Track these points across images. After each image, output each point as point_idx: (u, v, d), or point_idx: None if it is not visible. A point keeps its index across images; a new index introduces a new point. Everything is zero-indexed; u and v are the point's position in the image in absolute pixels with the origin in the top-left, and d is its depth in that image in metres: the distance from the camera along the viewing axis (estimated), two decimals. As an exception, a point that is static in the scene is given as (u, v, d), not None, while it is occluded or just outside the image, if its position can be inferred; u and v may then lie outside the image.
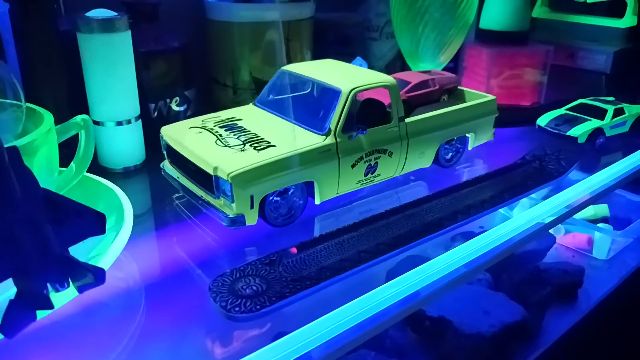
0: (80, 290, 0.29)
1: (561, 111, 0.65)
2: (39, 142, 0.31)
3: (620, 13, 0.77)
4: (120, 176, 0.52)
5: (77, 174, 0.39)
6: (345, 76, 0.47)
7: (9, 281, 0.26)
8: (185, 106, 0.59)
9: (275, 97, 0.50)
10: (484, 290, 0.48)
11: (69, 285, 0.28)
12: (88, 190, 0.40)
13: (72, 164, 0.39)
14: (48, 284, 0.27)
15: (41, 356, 0.31)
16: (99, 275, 0.29)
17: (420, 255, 0.42)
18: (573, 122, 0.62)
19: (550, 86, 0.74)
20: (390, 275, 0.39)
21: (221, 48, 0.61)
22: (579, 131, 0.60)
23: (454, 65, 0.79)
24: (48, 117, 0.34)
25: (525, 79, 0.72)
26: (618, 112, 0.63)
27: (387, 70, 0.78)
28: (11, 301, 0.26)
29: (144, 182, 0.53)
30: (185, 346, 0.34)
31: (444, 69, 0.70)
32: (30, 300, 0.26)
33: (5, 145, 0.26)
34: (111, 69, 0.49)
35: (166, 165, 0.48)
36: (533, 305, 0.47)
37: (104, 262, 0.32)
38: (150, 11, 0.55)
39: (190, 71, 0.59)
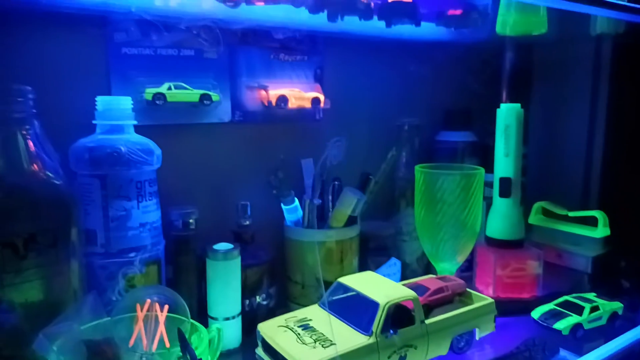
0: None
1: (551, 306, 0.84)
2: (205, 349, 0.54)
3: (596, 224, 0.99)
4: (224, 356, 0.74)
5: (211, 362, 0.61)
6: (382, 290, 0.69)
7: None
8: (268, 300, 0.82)
9: (333, 302, 0.73)
10: None
11: None
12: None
13: (208, 355, 0.61)
14: None
15: None
16: None
17: None
18: (558, 316, 0.80)
19: (546, 281, 0.93)
20: None
21: (294, 256, 0.86)
22: (563, 325, 0.78)
23: (470, 259, 1.00)
24: (204, 332, 0.57)
25: (523, 275, 0.92)
26: (594, 309, 0.81)
27: (417, 263, 1.01)
28: None
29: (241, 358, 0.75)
30: None
31: (461, 265, 0.92)
32: None
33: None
34: (225, 283, 0.73)
35: (259, 351, 0.69)
36: None
37: None
38: (249, 237, 0.82)
39: (273, 274, 0.83)
